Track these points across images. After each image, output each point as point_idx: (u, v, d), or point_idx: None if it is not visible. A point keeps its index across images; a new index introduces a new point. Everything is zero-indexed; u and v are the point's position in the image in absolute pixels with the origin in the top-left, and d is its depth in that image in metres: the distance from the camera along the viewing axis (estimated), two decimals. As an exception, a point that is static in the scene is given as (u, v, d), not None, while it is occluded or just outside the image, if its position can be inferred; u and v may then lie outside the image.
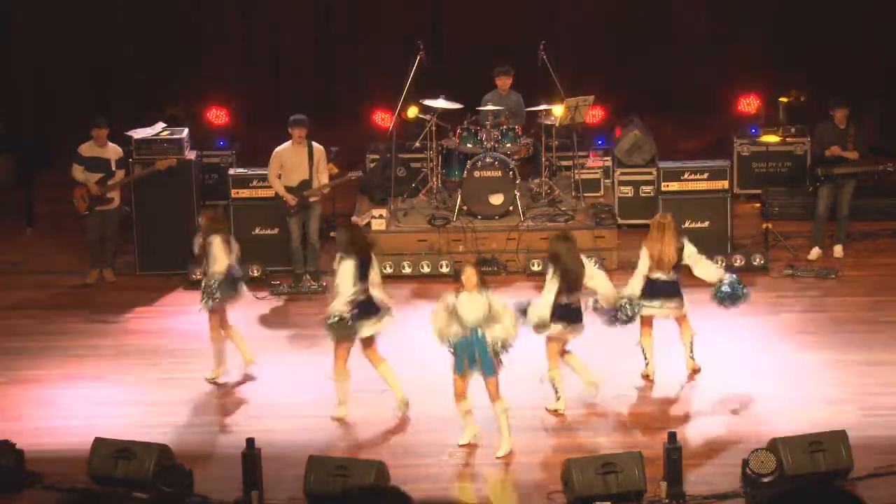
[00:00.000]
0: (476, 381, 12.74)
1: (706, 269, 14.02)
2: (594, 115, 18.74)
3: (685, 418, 13.40)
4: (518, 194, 17.38)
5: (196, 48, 20.74)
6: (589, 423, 13.36)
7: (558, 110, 17.51)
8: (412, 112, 17.97)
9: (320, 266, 16.64)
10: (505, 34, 20.24)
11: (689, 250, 13.92)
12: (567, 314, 13.33)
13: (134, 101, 19.72)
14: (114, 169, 16.93)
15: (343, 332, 13.18)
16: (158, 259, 16.93)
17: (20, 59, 20.80)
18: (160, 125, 17.70)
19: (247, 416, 13.69)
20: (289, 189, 16.63)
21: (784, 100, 19.05)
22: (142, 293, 16.63)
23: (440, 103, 17.66)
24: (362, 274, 13.23)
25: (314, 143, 16.66)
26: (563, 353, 13.57)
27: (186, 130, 17.64)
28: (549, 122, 17.73)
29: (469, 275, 12.68)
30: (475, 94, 17.97)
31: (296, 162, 16.59)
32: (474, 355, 12.63)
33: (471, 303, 12.62)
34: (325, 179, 16.74)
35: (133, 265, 17.26)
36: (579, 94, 17.68)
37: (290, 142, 16.62)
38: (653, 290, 13.86)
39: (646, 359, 14.06)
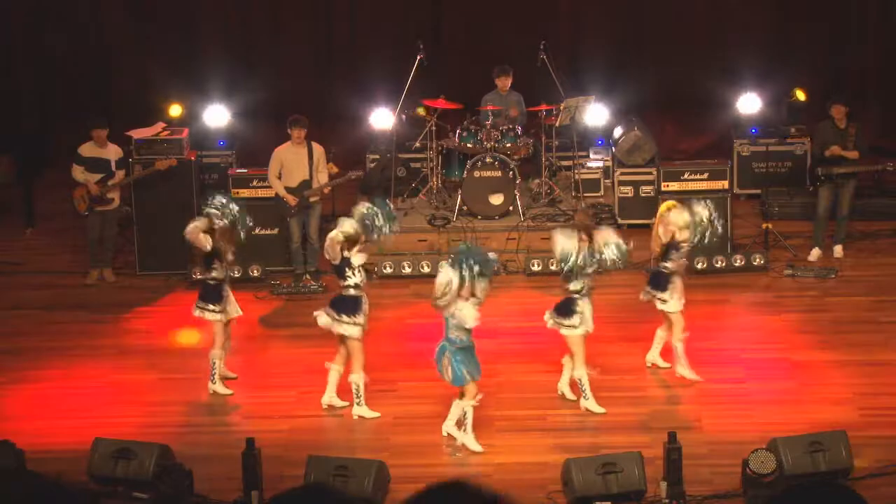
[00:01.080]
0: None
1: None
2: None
3: (685, 418, 13.38)
4: (518, 194, 17.37)
5: (196, 48, 20.72)
6: (589, 423, 13.36)
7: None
8: (421, 111, 18.00)
9: (320, 266, 16.63)
10: (505, 34, 20.22)
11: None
12: None
13: (134, 101, 19.69)
14: (114, 169, 16.92)
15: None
16: (158, 259, 16.91)
17: (20, 59, 20.78)
18: (160, 125, 17.70)
19: (247, 416, 13.69)
20: (289, 189, 16.62)
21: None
22: (142, 293, 16.62)
23: (440, 103, 17.66)
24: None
25: (314, 143, 16.66)
26: None
27: (186, 130, 17.64)
28: (549, 123, 17.74)
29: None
30: (475, 94, 17.96)
31: (295, 162, 16.59)
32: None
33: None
34: (325, 179, 16.74)
35: (133, 265, 17.25)
36: (579, 94, 17.68)
37: (289, 142, 16.62)
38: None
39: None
